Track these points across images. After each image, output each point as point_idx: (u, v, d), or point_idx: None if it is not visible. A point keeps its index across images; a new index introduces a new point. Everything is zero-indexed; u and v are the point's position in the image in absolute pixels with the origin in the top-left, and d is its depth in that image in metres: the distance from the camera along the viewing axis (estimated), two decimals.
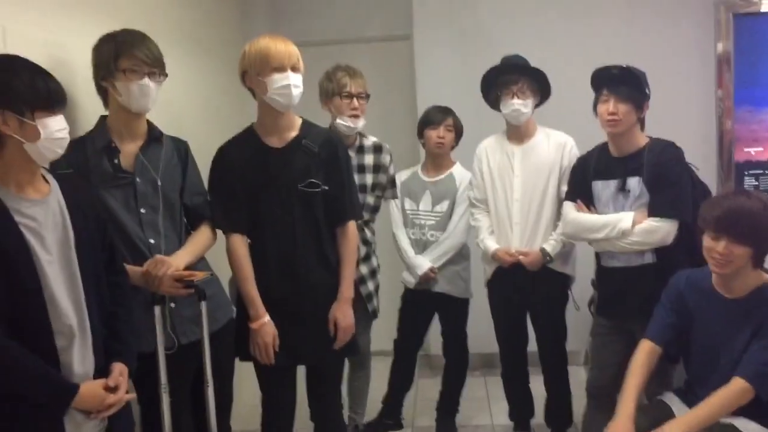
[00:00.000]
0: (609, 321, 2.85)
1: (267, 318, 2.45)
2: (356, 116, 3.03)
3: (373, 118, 4.51)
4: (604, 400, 2.73)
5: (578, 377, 3.42)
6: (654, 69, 2.84)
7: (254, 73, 2.43)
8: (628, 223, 2.68)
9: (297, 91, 2.42)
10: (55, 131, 1.74)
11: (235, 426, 3.36)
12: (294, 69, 2.42)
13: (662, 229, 2.63)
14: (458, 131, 3.48)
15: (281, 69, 2.39)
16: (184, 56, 3.35)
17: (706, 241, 2.26)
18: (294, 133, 2.52)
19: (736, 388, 2.19)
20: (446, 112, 3.47)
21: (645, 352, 2.40)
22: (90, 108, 2.36)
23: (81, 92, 2.36)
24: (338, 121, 3.02)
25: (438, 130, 3.42)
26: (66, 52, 2.32)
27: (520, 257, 3.12)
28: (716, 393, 2.21)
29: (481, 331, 3.36)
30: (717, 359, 2.29)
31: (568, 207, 2.89)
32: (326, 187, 2.50)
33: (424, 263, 3.38)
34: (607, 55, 2.98)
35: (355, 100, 3.02)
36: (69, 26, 2.36)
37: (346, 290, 2.53)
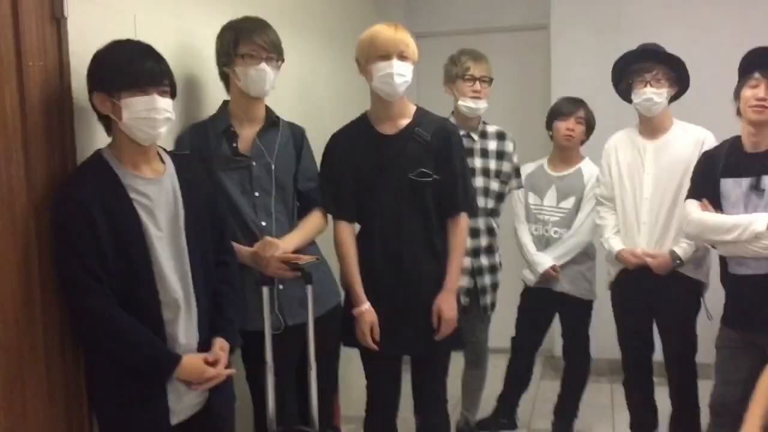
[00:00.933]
0: (737, 334, 2.61)
1: (366, 306, 2.45)
2: (478, 98, 2.99)
3: (507, 108, 4.49)
4: (729, 418, 2.50)
5: (709, 392, 3.17)
6: None
7: (363, 60, 2.44)
8: (763, 225, 2.42)
9: (400, 80, 2.39)
10: (140, 110, 1.78)
11: (348, 411, 3.43)
12: (401, 57, 2.39)
13: None
14: (589, 124, 3.33)
15: (386, 57, 2.38)
16: (317, 46, 3.42)
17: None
18: (407, 121, 2.50)
19: None
20: (577, 103, 3.32)
21: None
22: (216, 94, 2.46)
23: (207, 78, 2.46)
24: (460, 102, 3.01)
25: (567, 122, 3.29)
26: (195, 39, 2.42)
27: (647, 259, 2.93)
28: None
29: (610, 335, 3.20)
30: None
31: (692, 205, 2.65)
32: (437, 177, 2.46)
33: (545, 261, 3.26)
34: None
35: (477, 83, 2.99)
36: (199, 14, 2.46)
37: (452, 281, 2.49)
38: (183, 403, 1.89)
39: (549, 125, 3.39)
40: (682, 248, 2.87)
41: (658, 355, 3.14)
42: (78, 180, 1.78)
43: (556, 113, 3.35)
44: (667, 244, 2.92)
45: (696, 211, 2.63)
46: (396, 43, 2.38)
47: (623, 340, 3.17)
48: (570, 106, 3.31)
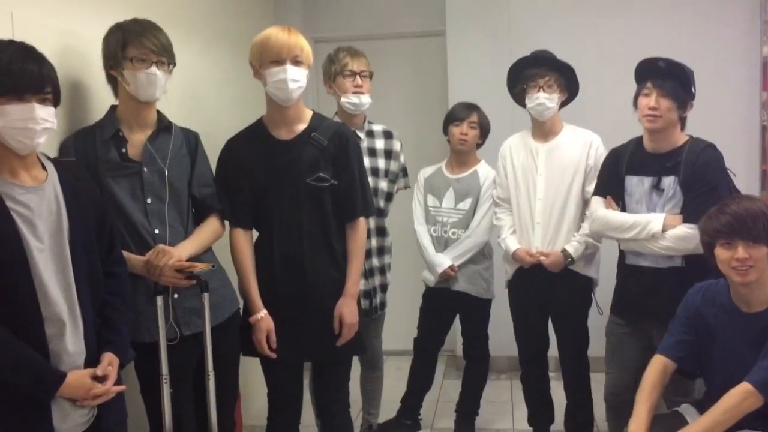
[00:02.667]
0: (624, 320, 2.74)
1: (262, 313, 2.42)
2: (360, 93, 2.97)
3: (406, 113, 4.54)
4: (623, 406, 2.62)
5: (602, 384, 3.30)
6: (695, 70, 2.70)
7: (257, 64, 2.41)
8: (659, 226, 2.57)
9: (295, 85, 2.37)
10: (16, 120, 1.68)
11: (250, 421, 3.38)
12: (295, 62, 2.37)
13: (696, 237, 2.51)
14: (483, 129, 3.40)
15: (279, 62, 2.35)
16: (210, 50, 3.35)
17: (721, 253, 2.15)
18: (303, 126, 2.48)
19: (741, 391, 2.08)
20: (471, 108, 3.40)
21: (658, 369, 2.30)
22: (103, 98, 2.36)
23: (94, 82, 2.36)
24: (342, 99, 2.96)
25: (461, 127, 3.35)
26: (80, 41, 2.32)
27: (541, 258, 3.03)
28: (722, 399, 2.10)
29: (509, 333, 3.28)
30: (737, 375, 2.17)
31: (597, 203, 2.79)
32: (335, 182, 2.45)
33: (444, 261, 3.32)
34: (645, 56, 2.83)
35: (358, 77, 2.97)
36: (84, 14, 2.36)
37: (352, 286, 2.49)
38: (69, 422, 1.80)
39: (445, 130, 3.45)
40: (573, 246, 2.99)
41: (553, 350, 3.26)
42: None
43: (451, 118, 3.42)
44: (560, 242, 3.03)
45: (600, 208, 2.75)
46: (290, 48, 2.36)
47: (520, 337, 3.27)
48: (464, 112, 3.38)
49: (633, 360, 2.62)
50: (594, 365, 3.19)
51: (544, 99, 3.00)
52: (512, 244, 3.13)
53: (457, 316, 3.53)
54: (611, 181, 2.77)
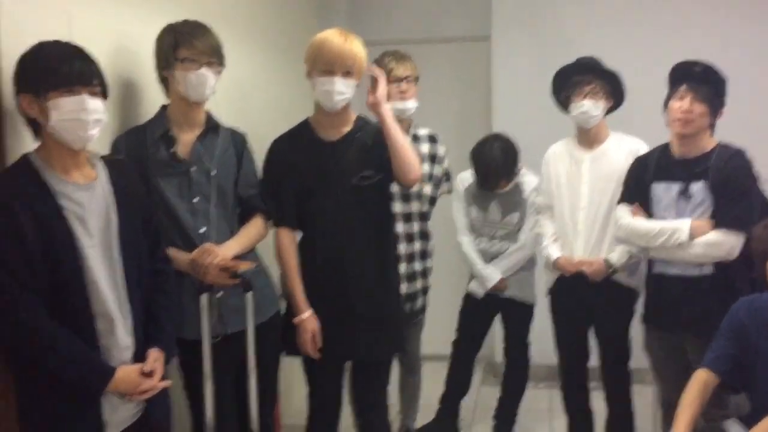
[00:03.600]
0: (660, 332, 2.71)
1: (307, 314, 2.44)
2: (405, 98, 2.97)
3: (448, 118, 4.53)
4: None
5: (644, 397, 3.25)
6: (737, 76, 2.67)
7: (309, 67, 2.43)
8: (685, 234, 2.53)
9: (340, 97, 2.38)
10: (69, 111, 1.72)
11: (289, 420, 3.40)
12: (346, 74, 2.36)
13: (727, 243, 2.46)
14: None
15: (329, 72, 2.35)
16: (257, 51, 3.39)
17: None
18: (348, 128, 2.50)
19: None
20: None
21: (700, 383, 2.25)
22: (154, 98, 2.41)
23: (146, 82, 2.41)
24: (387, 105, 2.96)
25: None
26: (133, 42, 2.37)
27: (583, 267, 2.99)
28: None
29: (549, 341, 3.25)
30: None
31: (623, 210, 2.75)
32: (380, 176, 2.46)
33: (494, 275, 3.29)
34: None
35: (402, 83, 2.97)
36: (137, 16, 2.41)
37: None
38: (118, 415, 1.84)
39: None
40: (616, 256, 2.95)
41: (594, 360, 3.21)
42: (3, 185, 1.71)
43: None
44: (603, 252, 2.99)
45: (626, 216, 2.72)
46: (343, 59, 2.35)
47: (560, 346, 3.23)
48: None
49: (680, 372, 2.56)
50: (636, 377, 3.14)
51: (589, 106, 2.97)
52: (554, 252, 3.10)
53: (497, 321, 3.51)
54: (637, 188, 2.74)
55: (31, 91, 1.72)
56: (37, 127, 1.78)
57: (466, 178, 3.43)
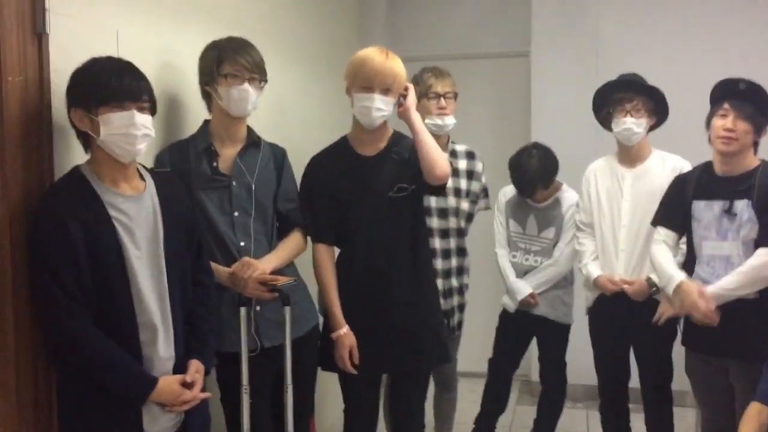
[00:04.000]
0: (701, 355, 2.64)
1: (344, 329, 2.44)
2: (444, 114, 2.97)
3: (487, 135, 4.51)
4: None
5: (685, 420, 3.19)
6: None
7: (349, 83, 2.45)
8: (671, 288, 2.59)
9: (378, 114, 2.39)
10: (118, 126, 1.76)
11: None
12: (385, 91, 2.38)
13: None
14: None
15: (369, 89, 2.37)
16: (297, 67, 3.43)
17: None
18: (384, 144, 2.51)
19: None
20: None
21: (755, 419, 2.16)
22: (198, 112, 2.45)
23: (189, 97, 2.45)
24: (427, 121, 2.91)
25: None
26: (177, 57, 2.42)
27: (624, 286, 2.95)
28: None
29: (587, 360, 3.20)
30: None
31: (657, 240, 2.75)
32: (414, 187, 2.47)
33: (524, 289, 3.26)
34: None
35: (442, 99, 2.97)
36: (182, 32, 2.46)
37: None
38: (158, 425, 1.86)
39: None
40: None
41: (634, 381, 3.16)
42: (55, 195, 1.76)
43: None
44: (645, 270, 2.94)
45: (656, 247, 2.72)
46: (383, 76, 2.36)
47: (600, 366, 3.18)
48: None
49: (724, 399, 2.50)
50: (677, 399, 3.08)
51: (632, 124, 2.94)
52: (594, 270, 3.06)
53: (534, 340, 3.47)
54: (676, 206, 2.70)
55: (83, 106, 1.77)
56: (87, 141, 1.83)
57: (508, 191, 3.42)
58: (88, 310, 1.74)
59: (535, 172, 3.22)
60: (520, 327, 3.40)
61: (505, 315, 3.45)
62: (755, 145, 2.59)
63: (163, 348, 1.86)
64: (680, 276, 2.59)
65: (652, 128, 3.03)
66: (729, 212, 2.53)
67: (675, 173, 2.90)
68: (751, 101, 2.52)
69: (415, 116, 2.45)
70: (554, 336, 3.37)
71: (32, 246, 1.73)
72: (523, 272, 3.33)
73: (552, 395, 3.46)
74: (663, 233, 2.74)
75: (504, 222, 3.42)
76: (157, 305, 1.85)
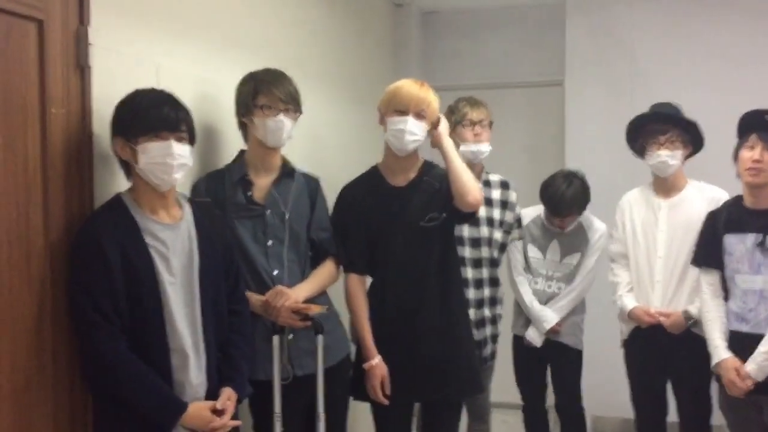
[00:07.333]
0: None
1: (377, 360, 2.44)
2: (480, 141, 2.98)
3: (520, 164, 4.50)
4: None
5: None
6: None
7: (383, 110, 2.48)
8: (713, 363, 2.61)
9: (411, 138, 2.42)
10: (156, 155, 1.82)
11: None
12: (418, 116, 2.41)
13: None
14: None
15: (403, 112, 2.41)
16: (331, 98, 3.47)
17: None
18: (415, 174, 2.53)
19: None
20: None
21: None
22: (234, 142, 2.49)
23: (226, 127, 2.50)
24: (462, 148, 2.93)
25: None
26: (215, 88, 2.47)
27: (661, 318, 2.90)
28: None
29: (623, 393, 3.13)
30: None
31: (704, 284, 2.72)
32: (445, 215, 2.48)
33: (552, 317, 3.19)
34: None
35: (476, 126, 2.98)
36: (220, 64, 2.52)
37: None
38: None
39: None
40: (696, 307, 2.84)
41: (672, 415, 3.09)
42: (95, 221, 1.82)
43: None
44: (681, 302, 2.89)
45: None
46: (417, 102, 2.41)
47: (637, 400, 3.12)
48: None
49: None
50: None
51: (666, 156, 2.91)
52: (629, 302, 3.01)
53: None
54: (709, 242, 2.68)
55: (123, 135, 1.83)
56: (129, 169, 1.89)
57: (527, 214, 3.32)
58: (122, 334, 1.78)
59: (574, 197, 3.18)
60: (535, 355, 3.27)
61: (519, 345, 3.33)
62: None
63: (194, 374, 1.89)
64: (720, 355, 2.58)
65: (688, 156, 2.99)
66: (763, 245, 2.49)
67: (713, 204, 2.85)
68: None
69: (448, 142, 2.49)
70: (569, 362, 3.28)
71: (71, 269, 1.78)
72: (545, 299, 3.27)
73: (573, 425, 3.35)
74: (707, 276, 2.70)
75: (522, 248, 3.34)
76: (189, 332, 1.88)
